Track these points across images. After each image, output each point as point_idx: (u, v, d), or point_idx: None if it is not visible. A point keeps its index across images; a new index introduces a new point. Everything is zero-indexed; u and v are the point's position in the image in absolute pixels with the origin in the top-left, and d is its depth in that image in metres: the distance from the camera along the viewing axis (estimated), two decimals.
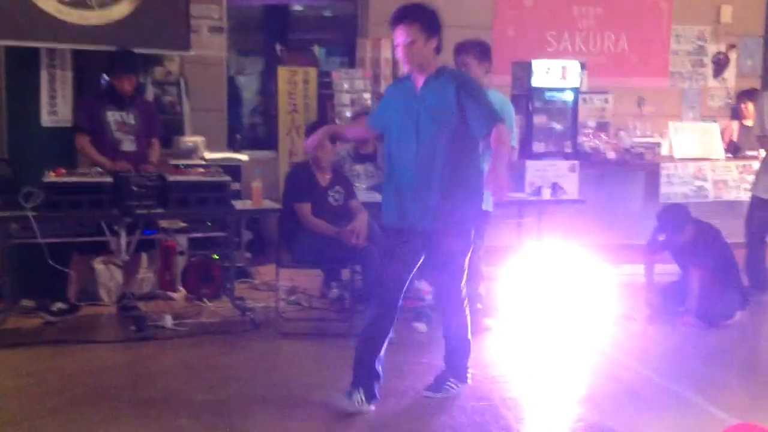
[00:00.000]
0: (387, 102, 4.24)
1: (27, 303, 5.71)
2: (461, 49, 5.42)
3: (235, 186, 6.36)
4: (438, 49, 4.01)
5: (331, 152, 5.63)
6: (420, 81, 4.01)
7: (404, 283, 4.12)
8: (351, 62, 8.29)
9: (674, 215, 5.93)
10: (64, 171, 5.23)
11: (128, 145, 5.65)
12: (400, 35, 3.93)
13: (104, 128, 5.60)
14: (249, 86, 10.31)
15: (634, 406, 4.28)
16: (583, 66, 7.50)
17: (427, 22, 3.95)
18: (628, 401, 4.36)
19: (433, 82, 3.99)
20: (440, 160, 3.95)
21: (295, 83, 7.89)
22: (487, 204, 5.52)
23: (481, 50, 5.45)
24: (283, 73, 7.86)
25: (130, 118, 5.67)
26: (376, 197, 5.99)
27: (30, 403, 4.16)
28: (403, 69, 4.06)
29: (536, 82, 7.15)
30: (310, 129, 5.67)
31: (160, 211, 5.26)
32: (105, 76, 5.68)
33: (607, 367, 4.95)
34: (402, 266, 4.10)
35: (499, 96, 5.49)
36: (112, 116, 5.61)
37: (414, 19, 3.92)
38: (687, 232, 5.84)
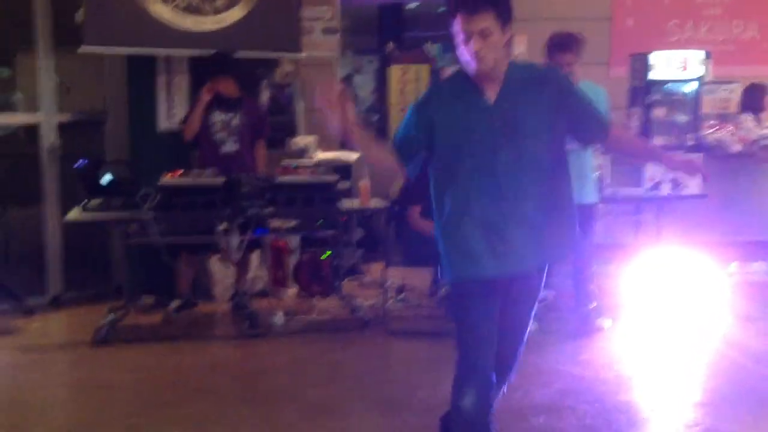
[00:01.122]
0: (429, 117, 3.06)
1: (147, 300, 5.94)
2: (563, 45, 5.19)
3: (345, 184, 6.41)
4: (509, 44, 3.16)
5: None
6: (487, 83, 3.00)
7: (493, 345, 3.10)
8: None
9: None
10: (180, 172, 5.41)
11: (230, 146, 5.75)
12: (470, 24, 2.89)
13: (208, 129, 5.73)
14: (365, 85, 10.42)
15: (754, 411, 4.04)
16: (708, 55, 7.15)
17: (504, 7, 2.95)
18: (748, 406, 4.11)
19: (515, 84, 3.02)
20: (536, 177, 3.01)
21: (406, 81, 7.89)
22: (592, 195, 5.35)
23: (581, 46, 5.25)
24: (394, 71, 7.87)
25: (236, 119, 5.77)
26: None
27: (144, 397, 4.32)
28: (471, 67, 2.93)
29: (654, 74, 6.87)
30: None
31: (269, 210, 5.35)
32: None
33: (727, 370, 4.69)
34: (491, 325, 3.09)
35: (590, 84, 5.30)
36: (218, 117, 5.73)
37: (491, 8, 2.90)
38: None
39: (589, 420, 3.94)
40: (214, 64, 5.77)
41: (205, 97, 5.64)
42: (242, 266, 5.87)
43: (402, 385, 4.47)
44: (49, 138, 6.13)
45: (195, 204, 5.24)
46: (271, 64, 7.59)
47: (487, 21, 2.88)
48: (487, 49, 2.90)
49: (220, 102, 5.76)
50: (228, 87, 5.74)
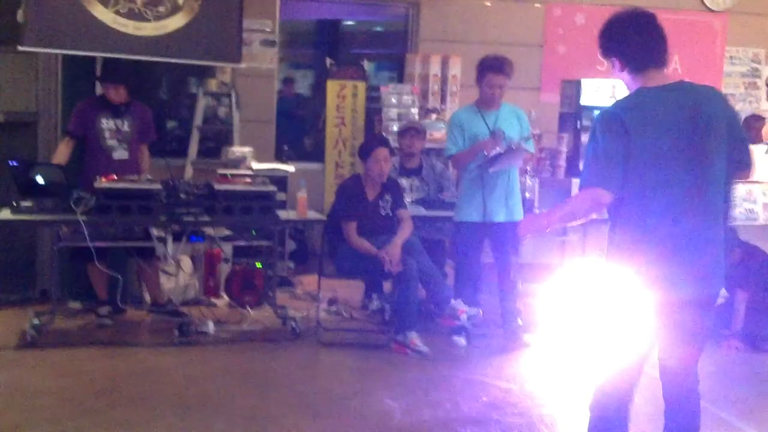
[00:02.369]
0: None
1: (74, 305, 5.84)
2: (496, 67, 5.38)
3: (281, 196, 6.45)
4: (631, 69, 3.08)
5: (389, 166, 5.70)
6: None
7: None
8: (400, 77, 8.35)
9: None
10: (114, 177, 5.36)
11: (120, 153, 5.70)
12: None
13: (97, 135, 5.65)
14: (299, 99, 10.44)
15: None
16: None
17: (601, 47, 3.14)
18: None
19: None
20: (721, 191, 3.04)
21: (343, 97, 7.98)
22: (520, 212, 5.52)
23: (512, 69, 5.46)
24: (332, 86, 7.96)
25: (125, 126, 5.72)
26: (421, 211, 6.04)
27: (70, 403, 4.25)
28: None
29: (585, 100, 7.12)
30: (363, 148, 5.75)
31: (206, 218, 5.35)
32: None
33: (646, 387, 4.86)
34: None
35: (510, 107, 5.51)
36: (106, 123, 5.66)
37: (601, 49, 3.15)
38: (735, 254, 5.74)
39: None
40: (106, 70, 5.72)
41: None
42: (173, 273, 5.84)
43: (333, 395, 4.51)
44: None
45: (130, 209, 5.20)
46: (205, 73, 7.59)
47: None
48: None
49: (107, 106, 5.68)
50: (118, 94, 5.66)
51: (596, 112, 7.04)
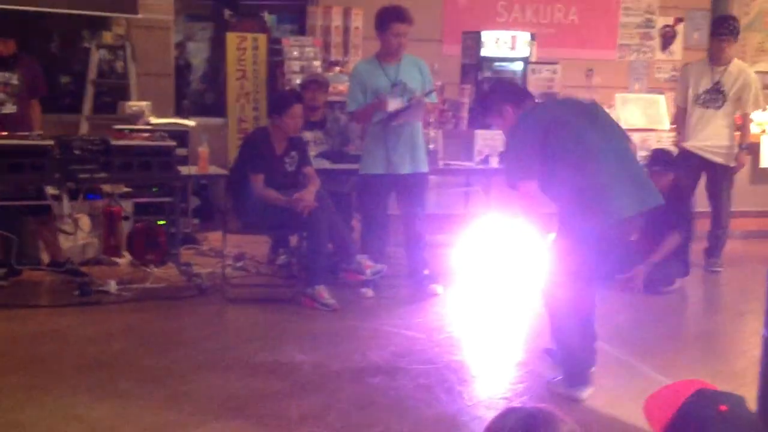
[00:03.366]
0: None
1: None
2: (397, 15, 5.38)
3: (182, 152, 6.31)
4: (516, 105, 4.04)
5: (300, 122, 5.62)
6: None
7: None
8: (302, 30, 8.22)
9: (663, 156, 6.00)
10: (4, 133, 5.13)
11: (9, 107, 5.53)
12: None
13: None
14: (198, 52, 10.18)
15: None
16: (532, 37, 7.54)
17: (489, 108, 4.22)
18: None
19: None
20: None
21: (244, 49, 7.81)
22: (424, 164, 5.56)
23: (411, 17, 5.45)
24: (231, 39, 7.78)
25: (14, 79, 5.53)
26: (325, 164, 6.01)
27: None
28: None
29: (486, 52, 7.17)
30: (278, 104, 5.63)
31: (103, 175, 5.19)
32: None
33: (548, 331, 5.02)
34: None
35: (412, 58, 5.51)
36: None
37: (484, 113, 4.59)
38: (667, 178, 5.83)
39: (423, 379, 4.11)
40: None
41: None
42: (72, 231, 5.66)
43: (242, 350, 4.49)
44: None
45: (22, 166, 5.00)
46: (99, 25, 7.31)
47: None
48: None
49: None
50: (6, 47, 5.45)
51: (497, 64, 7.21)
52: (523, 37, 7.30)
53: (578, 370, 3.94)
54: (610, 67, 8.72)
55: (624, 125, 7.67)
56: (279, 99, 5.96)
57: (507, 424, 1.57)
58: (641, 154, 7.45)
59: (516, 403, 3.75)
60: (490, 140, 6.67)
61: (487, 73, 7.19)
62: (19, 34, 5.50)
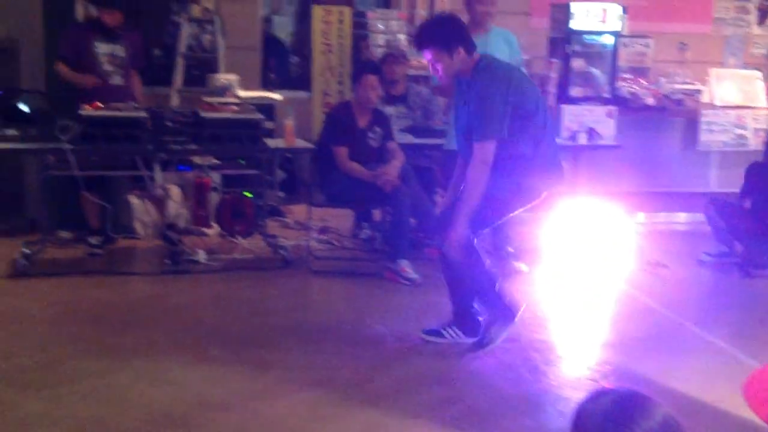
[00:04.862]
0: None
1: (64, 234, 5.80)
2: None
3: (269, 125, 6.38)
4: (468, 51, 3.92)
5: (379, 94, 5.64)
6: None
7: None
8: (387, 2, 8.19)
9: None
10: (100, 105, 5.27)
11: (116, 79, 5.63)
12: (426, 57, 3.99)
13: (93, 61, 5.56)
14: (284, 26, 10.26)
15: (662, 351, 4.27)
16: (624, 9, 7.32)
17: (441, 41, 3.89)
18: (657, 346, 4.35)
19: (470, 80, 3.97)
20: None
21: (329, 23, 7.82)
22: None
23: None
24: (317, 12, 7.79)
25: (120, 51, 5.63)
26: (409, 138, 5.98)
27: (60, 331, 4.26)
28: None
29: (575, 24, 7.00)
30: (355, 74, 5.68)
31: (193, 147, 5.28)
32: (90, 6, 5.64)
33: (637, 313, 4.94)
34: None
35: (502, 31, 5.42)
36: (102, 48, 5.57)
37: (428, 45, 3.92)
38: None
39: (506, 358, 4.09)
40: None
41: (88, 82, 5.48)
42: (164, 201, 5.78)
43: (326, 320, 4.55)
44: None
45: (116, 137, 5.13)
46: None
47: (433, 56, 3.90)
48: (445, 72, 3.95)
49: (101, 30, 5.57)
50: (110, 19, 5.54)
51: (587, 37, 7.03)
52: (615, 9, 7.08)
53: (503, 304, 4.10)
54: (704, 42, 8.41)
55: (719, 102, 7.49)
56: (355, 70, 5.97)
57: (600, 406, 1.54)
58: (737, 132, 7.24)
59: (602, 385, 3.69)
60: (578, 116, 6.54)
61: (576, 47, 7.01)
62: (125, 5, 5.63)
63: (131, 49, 5.67)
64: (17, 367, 3.76)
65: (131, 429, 3.20)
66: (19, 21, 6.19)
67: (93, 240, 5.65)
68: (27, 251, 5.18)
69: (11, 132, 5.08)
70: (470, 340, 4.21)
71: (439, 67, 3.91)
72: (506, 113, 3.82)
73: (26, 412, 3.31)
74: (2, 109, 5.23)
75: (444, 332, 4.22)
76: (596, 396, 1.60)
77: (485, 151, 3.83)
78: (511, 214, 4.18)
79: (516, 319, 4.13)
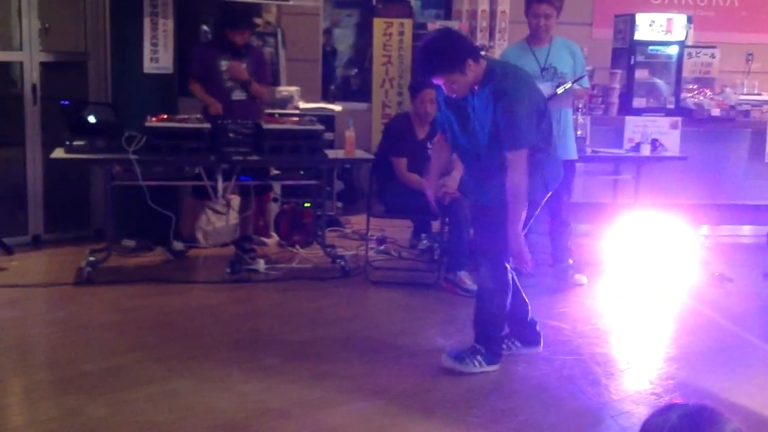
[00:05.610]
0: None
1: (128, 243, 5.93)
2: None
3: (329, 136, 6.43)
4: (476, 60, 3.70)
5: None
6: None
7: None
8: (447, 14, 8.20)
9: None
10: (165, 117, 5.38)
11: (239, 94, 5.79)
12: (438, 83, 3.76)
13: (216, 78, 5.74)
14: (344, 38, 10.34)
15: (726, 366, 4.17)
16: (689, 19, 7.22)
17: (449, 63, 3.66)
18: (721, 361, 4.25)
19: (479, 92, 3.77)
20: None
21: (390, 35, 7.87)
22: (573, 152, 5.43)
23: (561, 0, 5.29)
24: (378, 24, 7.85)
25: (243, 67, 5.78)
26: None
27: (124, 338, 4.33)
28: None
29: (639, 35, 6.92)
30: (413, 87, 5.71)
31: (255, 157, 5.35)
32: (205, 27, 5.78)
33: (701, 326, 4.83)
34: None
35: (565, 42, 5.35)
36: (226, 65, 5.74)
37: (438, 73, 3.70)
38: None
39: (566, 371, 4.03)
40: (236, 15, 5.81)
41: (213, 110, 5.66)
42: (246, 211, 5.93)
43: (383, 331, 4.54)
44: (31, 77, 6.04)
45: (180, 148, 5.23)
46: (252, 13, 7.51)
47: (445, 79, 3.72)
48: (459, 90, 3.75)
49: (225, 48, 5.76)
50: (240, 38, 5.74)
51: (651, 48, 6.93)
52: (680, 19, 6.99)
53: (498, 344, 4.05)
54: None
55: None
56: (414, 83, 5.99)
57: (669, 421, 1.50)
58: None
59: (667, 400, 3.61)
60: (641, 127, 6.45)
61: (641, 58, 6.94)
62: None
63: (253, 66, 5.83)
64: (81, 372, 3.84)
65: None
66: (87, 35, 6.35)
67: (178, 246, 5.80)
68: (92, 259, 5.30)
69: (79, 143, 5.21)
70: (530, 350, 4.17)
71: (455, 87, 3.72)
72: (533, 117, 3.73)
73: (89, 417, 3.38)
74: (71, 121, 5.37)
75: (504, 347, 4.17)
76: (664, 410, 1.56)
77: (520, 159, 3.69)
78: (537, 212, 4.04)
79: (498, 365, 4.01)
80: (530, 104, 3.71)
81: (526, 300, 4.18)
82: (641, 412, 3.53)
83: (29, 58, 6.02)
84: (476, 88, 3.76)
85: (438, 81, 3.73)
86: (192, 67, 5.86)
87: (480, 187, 3.98)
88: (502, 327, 4.06)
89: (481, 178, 3.95)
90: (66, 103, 5.48)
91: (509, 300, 4.00)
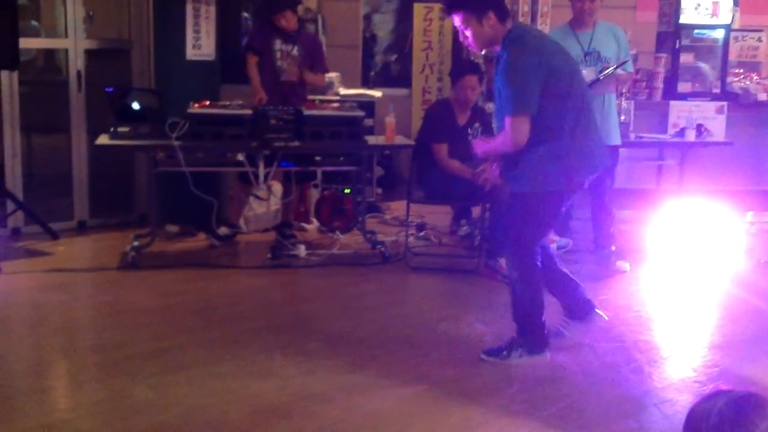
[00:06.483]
0: None
1: (171, 228, 6.00)
2: None
3: (369, 122, 6.45)
4: (501, 18, 3.60)
5: (478, 93, 5.65)
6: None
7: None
8: None
9: None
10: (207, 103, 5.43)
11: (287, 75, 5.82)
12: (454, 22, 3.70)
13: (270, 55, 5.79)
14: (384, 24, 10.33)
15: None
16: (735, 2, 7.08)
17: (470, 3, 3.59)
18: (766, 348, 4.19)
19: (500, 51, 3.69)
20: None
21: (430, 20, 7.84)
22: (616, 137, 5.37)
23: None
24: (418, 9, 7.83)
25: (295, 50, 5.82)
26: None
27: (169, 322, 4.39)
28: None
29: (684, 18, 6.80)
30: (454, 72, 5.69)
31: (296, 144, 5.38)
32: (245, 14, 5.80)
33: (746, 314, 4.76)
34: None
35: (609, 26, 5.28)
36: (279, 46, 5.79)
37: (456, 8, 3.63)
38: None
39: (609, 358, 4.00)
40: (269, 3, 5.82)
41: (255, 98, 5.72)
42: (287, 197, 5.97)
43: (423, 318, 4.54)
44: (76, 64, 6.13)
45: (222, 134, 5.28)
46: None
47: (462, 21, 3.63)
48: (474, 40, 3.67)
49: (279, 32, 5.79)
50: (289, 20, 5.76)
51: (697, 31, 6.82)
52: (726, 2, 6.85)
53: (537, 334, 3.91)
54: None
55: None
56: (454, 67, 5.96)
57: (716, 406, 1.49)
58: None
59: (709, 388, 3.57)
60: (686, 112, 6.36)
61: (686, 41, 6.82)
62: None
63: (306, 49, 5.89)
64: (127, 355, 3.91)
65: (236, 419, 3.28)
66: (130, 22, 6.43)
67: (224, 231, 5.89)
68: (137, 244, 5.38)
69: (123, 129, 5.28)
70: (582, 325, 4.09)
71: (468, 33, 3.60)
72: (535, 90, 3.51)
73: (136, 399, 3.43)
74: (115, 107, 5.44)
75: (563, 329, 4.11)
76: (713, 395, 1.56)
77: (518, 128, 3.53)
78: (563, 208, 3.87)
79: (546, 353, 3.92)
80: (532, 71, 3.50)
81: (543, 301, 3.96)
82: (685, 400, 3.50)
83: (74, 45, 6.11)
84: (499, 50, 3.64)
85: (455, 20, 3.65)
86: (251, 40, 5.95)
87: (506, 170, 3.83)
88: (536, 315, 3.91)
89: (506, 157, 3.80)
90: (110, 89, 5.55)
91: (538, 289, 3.89)
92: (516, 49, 3.56)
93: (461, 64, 6.36)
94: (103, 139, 5.32)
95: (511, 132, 3.57)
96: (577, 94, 3.66)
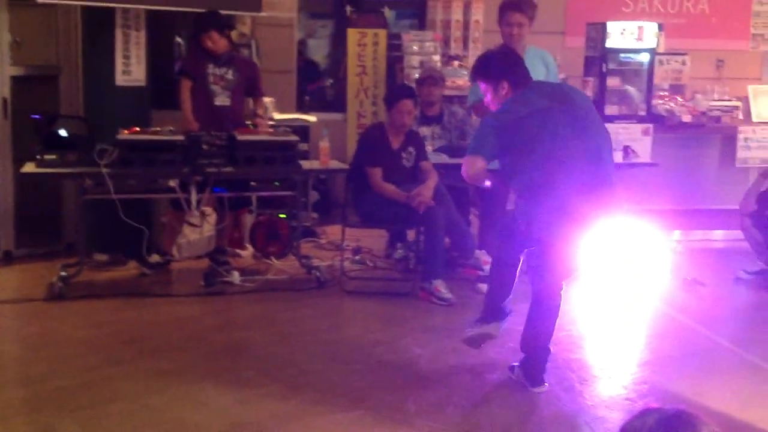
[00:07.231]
0: None
1: (100, 257, 5.88)
2: (513, 4, 5.24)
3: (304, 147, 6.43)
4: (514, 86, 3.92)
5: (414, 117, 5.70)
6: None
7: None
8: (421, 24, 8.23)
9: None
10: (137, 129, 5.36)
11: (223, 99, 5.75)
12: (481, 87, 4.10)
13: (204, 79, 5.72)
14: (318, 49, 10.36)
15: (699, 370, 4.21)
16: (660, 27, 7.30)
17: (488, 74, 4.00)
18: (695, 365, 4.29)
19: None
20: None
21: (364, 45, 7.88)
22: None
23: (532, 8, 5.32)
24: (352, 34, 7.86)
25: (228, 74, 5.75)
26: (444, 158, 5.99)
27: (98, 353, 4.29)
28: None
29: (611, 43, 6.97)
30: (389, 97, 5.73)
31: (229, 169, 5.34)
32: (178, 39, 5.75)
33: (674, 331, 4.87)
34: None
35: (538, 51, 5.39)
36: (212, 70, 5.72)
37: (478, 78, 4.08)
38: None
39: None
40: (206, 19, 5.71)
41: (188, 126, 5.64)
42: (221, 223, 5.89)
43: (360, 341, 4.54)
44: (2, 91, 5.99)
45: (153, 161, 5.21)
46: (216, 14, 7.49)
47: (486, 89, 4.03)
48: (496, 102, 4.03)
49: (210, 56, 5.71)
50: (216, 42, 5.67)
51: (623, 55, 6.99)
52: (651, 27, 7.06)
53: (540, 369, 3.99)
54: (742, 58, 8.32)
55: (756, 118, 7.39)
56: (390, 92, 6.00)
57: (647, 425, 1.51)
58: None
59: (639, 405, 3.63)
60: (614, 134, 6.45)
61: (613, 65, 7.00)
62: (224, 29, 5.80)
63: (241, 73, 5.80)
64: (53, 388, 3.81)
65: None
66: (58, 48, 6.32)
67: (156, 258, 5.79)
68: (64, 274, 5.25)
69: (50, 157, 5.17)
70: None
71: (488, 94, 4.04)
72: (494, 144, 3.82)
73: None
74: (42, 135, 5.33)
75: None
76: (643, 413, 1.57)
77: (467, 163, 3.86)
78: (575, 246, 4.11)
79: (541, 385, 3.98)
80: (492, 127, 3.84)
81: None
82: (615, 418, 3.56)
83: (0, 72, 5.98)
84: None
85: (481, 86, 4.07)
86: (184, 65, 5.89)
87: (522, 213, 3.96)
88: (538, 348, 4.01)
89: (517, 202, 4.06)
90: (37, 116, 5.44)
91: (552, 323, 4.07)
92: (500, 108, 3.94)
93: (397, 89, 6.41)
94: (29, 167, 5.20)
95: (464, 167, 3.89)
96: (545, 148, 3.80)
